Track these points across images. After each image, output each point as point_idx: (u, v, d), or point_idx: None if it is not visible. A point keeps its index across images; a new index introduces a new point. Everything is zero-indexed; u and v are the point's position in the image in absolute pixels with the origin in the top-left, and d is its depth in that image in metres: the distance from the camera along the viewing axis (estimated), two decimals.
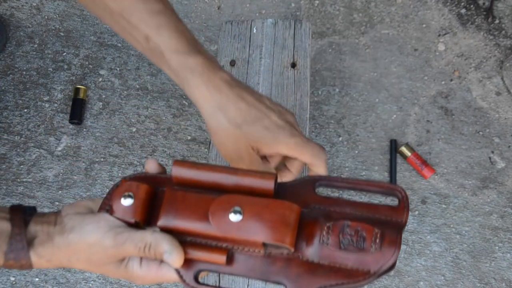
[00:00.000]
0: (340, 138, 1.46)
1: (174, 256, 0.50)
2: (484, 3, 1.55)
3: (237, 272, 0.52)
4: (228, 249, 0.52)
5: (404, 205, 0.52)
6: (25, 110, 1.51)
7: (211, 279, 0.96)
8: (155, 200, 0.54)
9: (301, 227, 0.51)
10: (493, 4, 1.54)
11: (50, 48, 1.57)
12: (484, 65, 1.50)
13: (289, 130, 0.59)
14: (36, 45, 1.57)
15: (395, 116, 1.47)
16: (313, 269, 0.50)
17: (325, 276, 0.50)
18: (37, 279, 1.36)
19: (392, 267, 0.51)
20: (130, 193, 0.52)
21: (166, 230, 0.52)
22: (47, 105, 1.51)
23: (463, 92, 1.48)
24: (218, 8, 1.60)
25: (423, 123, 1.46)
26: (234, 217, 0.49)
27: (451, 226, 1.38)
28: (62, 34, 1.58)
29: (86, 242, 0.49)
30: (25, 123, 1.50)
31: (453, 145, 1.44)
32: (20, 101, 1.52)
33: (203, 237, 0.52)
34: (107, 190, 1.40)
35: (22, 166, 1.46)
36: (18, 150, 1.47)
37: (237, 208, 0.49)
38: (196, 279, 0.52)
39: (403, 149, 1.40)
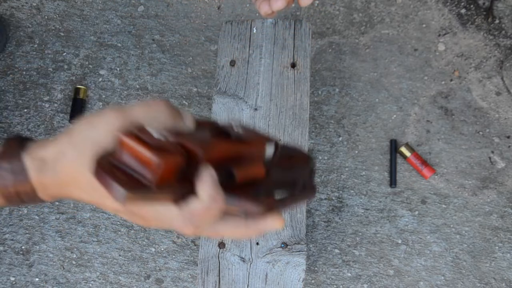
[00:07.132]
0: (340, 138, 1.46)
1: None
2: (484, 3, 1.55)
3: None
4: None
5: (307, 156, 0.56)
6: (25, 110, 1.51)
7: (211, 279, 0.96)
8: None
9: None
10: (493, 4, 1.54)
11: (50, 48, 1.56)
12: (484, 65, 1.50)
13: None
14: (36, 45, 1.57)
15: (395, 116, 1.47)
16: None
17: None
18: (37, 279, 1.36)
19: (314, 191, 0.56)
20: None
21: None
22: (47, 105, 1.51)
23: (463, 92, 1.48)
24: (218, 8, 1.60)
25: (423, 123, 1.46)
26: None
27: (451, 226, 1.38)
28: (62, 34, 1.58)
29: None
30: (25, 123, 1.50)
31: (453, 145, 1.44)
32: (20, 101, 1.52)
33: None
34: None
35: None
36: None
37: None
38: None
39: (403, 149, 1.40)
